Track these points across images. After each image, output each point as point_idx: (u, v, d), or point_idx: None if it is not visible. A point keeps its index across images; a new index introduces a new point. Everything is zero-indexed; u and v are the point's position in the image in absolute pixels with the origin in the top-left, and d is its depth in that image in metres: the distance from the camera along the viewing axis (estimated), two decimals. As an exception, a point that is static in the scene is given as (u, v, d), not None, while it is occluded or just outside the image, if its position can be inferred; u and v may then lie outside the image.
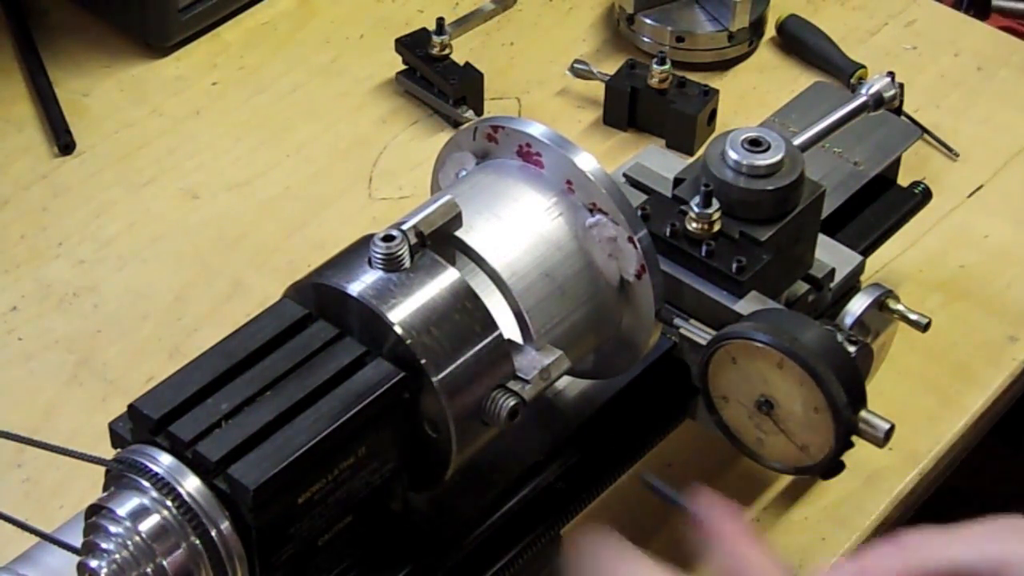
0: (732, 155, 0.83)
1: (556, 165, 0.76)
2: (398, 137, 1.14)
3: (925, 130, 1.12)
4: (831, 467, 0.79)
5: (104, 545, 0.64)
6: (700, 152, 1.05)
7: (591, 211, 0.75)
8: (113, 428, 0.67)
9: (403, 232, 0.70)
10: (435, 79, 1.15)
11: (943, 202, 1.06)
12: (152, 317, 1.01)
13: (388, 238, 0.70)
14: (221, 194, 1.10)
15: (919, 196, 0.97)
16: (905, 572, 0.65)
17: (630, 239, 0.75)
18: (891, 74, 0.94)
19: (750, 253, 0.82)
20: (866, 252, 0.91)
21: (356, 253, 0.72)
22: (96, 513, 0.65)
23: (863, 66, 1.17)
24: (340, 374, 0.68)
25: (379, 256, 0.70)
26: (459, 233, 0.73)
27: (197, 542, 0.64)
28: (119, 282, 1.03)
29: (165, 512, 0.64)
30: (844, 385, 0.76)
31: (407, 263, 0.70)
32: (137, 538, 0.64)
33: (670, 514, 0.89)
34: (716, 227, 0.82)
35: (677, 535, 0.88)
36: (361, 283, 0.70)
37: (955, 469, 0.97)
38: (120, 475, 0.65)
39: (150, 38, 1.20)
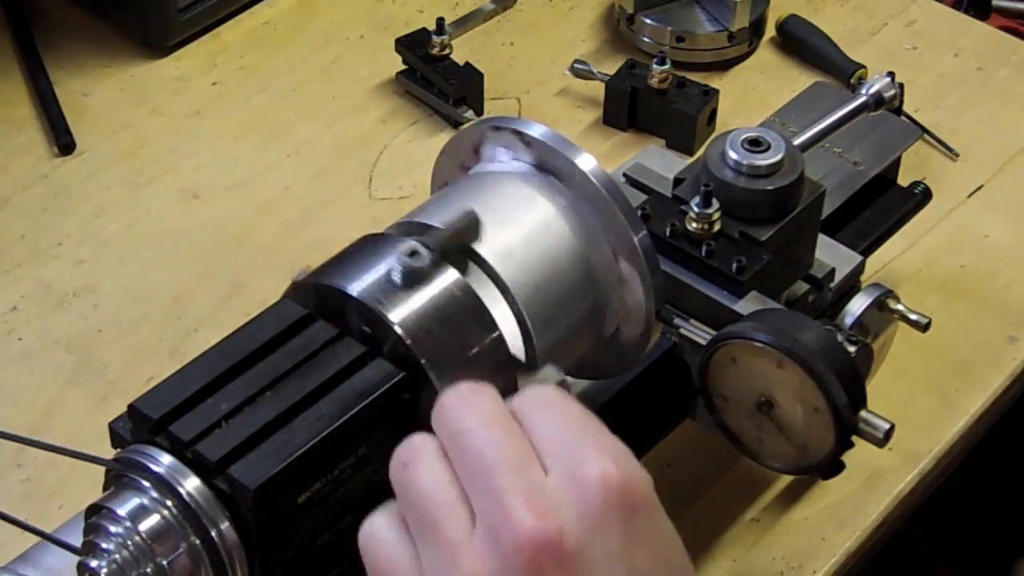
0: (732, 155, 0.83)
1: (556, 166, 0.76)
2: (398, 137, 1.14)
3: (925, 130, 1.12)
4: (831, 467, 0.79)
5: (104, 545, 0.64)
6: (700, 152, 1.05)
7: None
8: (113, 428, 0.67)
9: (430, 249, 0.70)
10: (435, 79, 1.15)
11: (943, 202, 1.07)
12: (152, 317, 1.01)
13: (414, 254, 0.70)
14: (221, 194, 1.10)
15: (919, 196, 0.97)
16: None
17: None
18: (891, 74, 0.94)
19: (750, 253, 0.82)
20: (866, 252, 0.91)
21: (357, 253, 0.72)
22: (96, 513, 0.65)
23: (863, 66, 1.17)
24: (340, 374, 0.68)
25: (400, 271, 0.69)
26: (457, 234, 0.73)
27: (197, 542, 0.64)
28: (119, 282, 1.03)
29: (165, 512, 0.64)
30: (844, 385, 0.76)
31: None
32: (137, 538, 0.64)
33: (671, 516, 0.89)
34: (716, 227, 0.82)
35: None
36: (361, 283, 0.70)
37: (955, 469, 0.97)
38: (120, 475, 0.65)
39: (150, 38, 1.20)
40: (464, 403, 0.61)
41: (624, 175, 0.89)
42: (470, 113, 1.14)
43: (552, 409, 0.62)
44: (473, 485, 0.60)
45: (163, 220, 1.08)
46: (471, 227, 0.72)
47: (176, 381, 0.67)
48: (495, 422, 0.61)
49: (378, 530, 0.62)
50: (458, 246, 0.72)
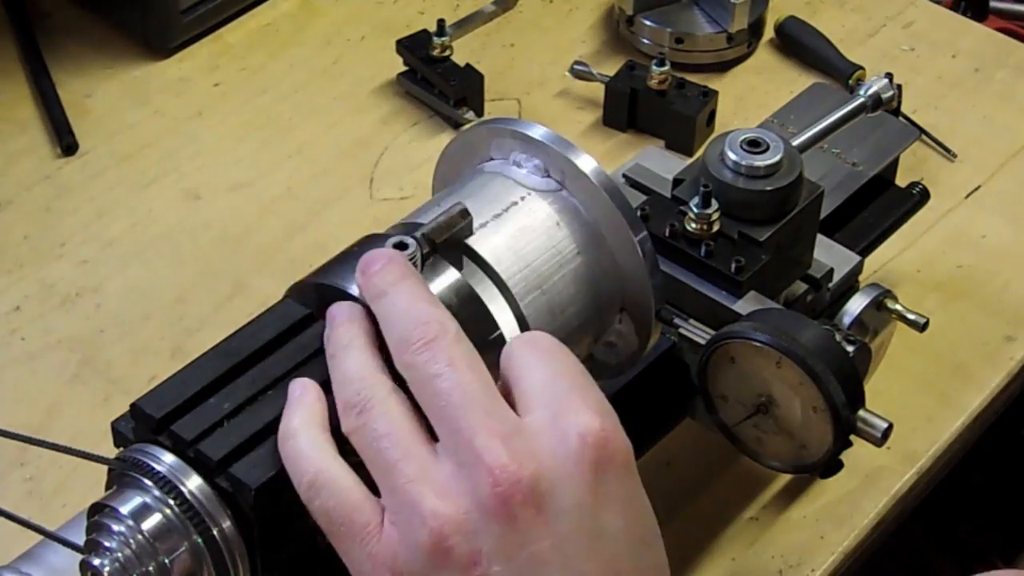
0: (731, 156, 0.83)
1: (556, 167, 0.76)
2: (399, 138, 1.15)
3: (923, 131, 1.12)
4: (829, 466, 0.80)
5: (107, 543, 0.64)
6: (699, 153, 1.06)
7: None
8: (115, 427, 0.68)
9: (417, 241, 0.70)
10: (436, 80, 1.15)
11: (941, 202, 1.07)
12: (154, 317, 1.01)
13: (402, 245, 0.70)
14: (223, 195, 1.10)
15: (917, 196, 0.97)
16: None
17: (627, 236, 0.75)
18: (889, 75, 0.94)
19: (749, 253, 0.82)
20: (864, 252, 0.92)
21: (358, 253, 0.72)
22: (99, 512, 0.65)
23: (861, 67, 1.18)
24: (341, 374, 0.68)
25: None
26: (461, 235, 0.73)
27: (199, 540, 0.64)
28: (121, 282, 1.03)
29: (167, 511, 0.64)
30: (842, 384, 0.76)
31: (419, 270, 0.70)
32: (139, 536, 0.64)
33: (670, 514, 0.90)
34: (715, 227, 0.82)
35: (677, 534, 0.89)
36: (362, 283, 0.70)
37: (953, 467, 0.97)
38: (122, 474, 0.66)
39: (152, 39, 1.20)
40: (429, 346, 0.62)
41: (624, 176, 0.89)
42: (471, 114, 1.14)
43: (546, 356, 0.63)
44: (443, 425, 0.60)
45: (165, 220, 1.08)
46: (459, 219, 0.72)
47: (178, 380, 0.68)
48: (461, 361, 0.61)
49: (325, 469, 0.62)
50: (449, 239, 0.72)
